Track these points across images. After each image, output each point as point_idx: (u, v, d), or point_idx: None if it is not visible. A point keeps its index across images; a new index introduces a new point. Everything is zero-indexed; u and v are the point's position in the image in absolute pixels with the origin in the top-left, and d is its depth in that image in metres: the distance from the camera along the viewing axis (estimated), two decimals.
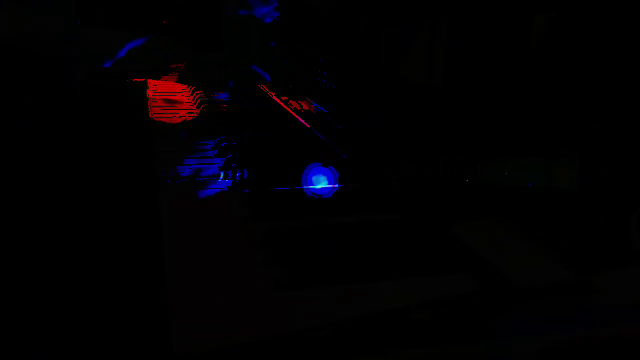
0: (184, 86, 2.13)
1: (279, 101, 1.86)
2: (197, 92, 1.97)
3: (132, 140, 1.88)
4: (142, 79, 2.22)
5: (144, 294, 1.22)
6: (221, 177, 1.20)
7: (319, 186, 1.14)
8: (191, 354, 0.64)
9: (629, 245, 0.84)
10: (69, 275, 1.34)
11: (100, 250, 1.47)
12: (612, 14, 1.21)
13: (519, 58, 1.49)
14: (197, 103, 1.85)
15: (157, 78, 2.22)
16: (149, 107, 1.83)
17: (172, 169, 1.24)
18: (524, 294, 0.77)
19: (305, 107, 1.74)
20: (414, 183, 1.13)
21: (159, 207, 1.04)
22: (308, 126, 1.54)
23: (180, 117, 1.70)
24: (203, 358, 0.64)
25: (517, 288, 0.78)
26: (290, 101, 1.82)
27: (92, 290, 1.33)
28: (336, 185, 1.15)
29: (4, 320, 1.20)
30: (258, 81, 2.19)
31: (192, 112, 1.76)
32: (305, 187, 1.14)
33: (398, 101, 1.49)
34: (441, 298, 0.75)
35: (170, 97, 1.94)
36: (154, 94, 2.01)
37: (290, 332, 0.67)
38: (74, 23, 2.27)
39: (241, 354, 0.65)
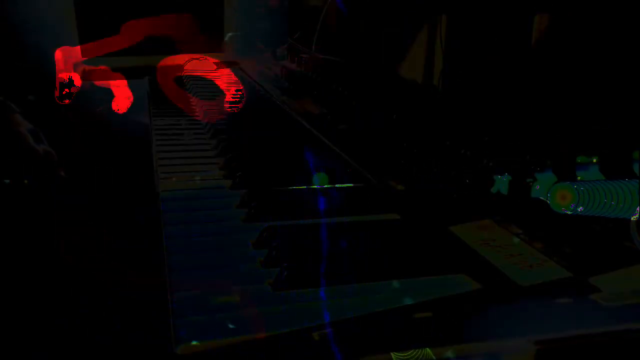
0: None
1: (278, 101, 1.86)
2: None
3: (131, 139, 1.88)
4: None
5: (144, 293, 1.22)
6: (221, 177, 1.21)
7: (319, 186, 1.14)
8: (191, 354, 0.64)
9: (629, 245, 0.84)
10: (69, 274, 1.34)
11: (100, 250, 1.47)
12: (611, 14, 1.21)
13: (518, 58, 1.49)
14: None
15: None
16: None
17: (171, 169, 1.24)
18: (523, 293, 0.77)
19: (305, 106, 1.74)
20: (414, 182, 1.13)
21: (159, 206, 1.04)
22: (308, 126, 1.54)
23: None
24: (203, 358, 0.64)
25: (517, 288, 0.78)
26: (290, 101, 1.82)
27: (93, 290, 1.33)
28: (336, 185, 1.15)
29: (4, 320, 1.20)
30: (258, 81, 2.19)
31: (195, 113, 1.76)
32: (305, 187, 1.14)
33: (398, 101, 1.49)
34: (441, 298, 0.75)
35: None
36: None
37: (290, 332, 0.67)
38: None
39: (241, 354, 0.65)
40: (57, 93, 1.67)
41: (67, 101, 1.79)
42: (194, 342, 0.65)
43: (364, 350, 0.64)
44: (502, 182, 0.94)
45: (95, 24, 2.36)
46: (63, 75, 1.79)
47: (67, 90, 1.79)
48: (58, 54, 2.23)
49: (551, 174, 0.90)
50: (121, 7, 2.41)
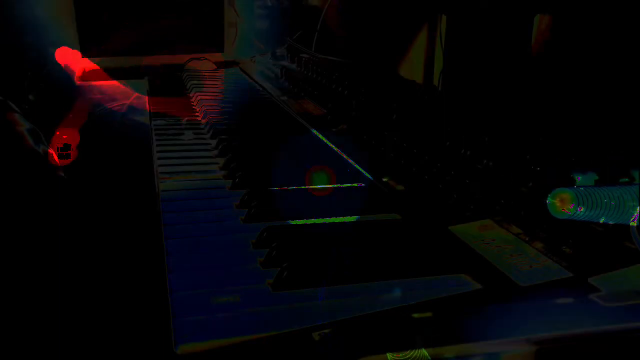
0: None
1: (278, 101, 1.86)
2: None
3: (132, 139, 1.88)
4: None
5: (144, 293, 1.22)
6: (221, 177, 1.21)
7: (319, 186, 1.14)
8: (191, 353, 0.64)
9: (629, 245, 0.84)
10: (69, 274, 1.34)
11: (100, 249, 1.47)
12: (612, 14, 1.21)
13: (518, 58, 1.49)
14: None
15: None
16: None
17: (171, 169, 1.24)
18: (523, 293, 0.77)
19: (305, 107, 1.74)
20: (414, 182, 1.13)
21: (159, 206, 1.04)
22: (308, 126, 1.55)
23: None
24: (203, 358, 0.64)
25: (517, 288, 0.78)
26: (290, 101, 1.82)
27: (93, 290, 1.33)
28: (336, 185, 1.15)
29: (4, 320, 1.20)
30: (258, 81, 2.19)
31: (195, 113, 1.76)
32: (305, 187, 1.14)
33: (398, 101, 1.49)
34: (441, 298, 0.75)
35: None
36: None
37: (290, 332, 0.67)
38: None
39: (241, 354, 0.65)
40: (55, 157, 1.69)
41: (67, 161, 1.81)
42: (194, 342, 0.65)
43: (363, 350, 0.64)
44: (587, 182, 0.87)
45: (95, 24, 2.37)
46: (59, 143, 1.81)
47: (64, 155, 1.81)
48: (58, 54, 2.24)
49: None
50: (121, 7, 2.41)
